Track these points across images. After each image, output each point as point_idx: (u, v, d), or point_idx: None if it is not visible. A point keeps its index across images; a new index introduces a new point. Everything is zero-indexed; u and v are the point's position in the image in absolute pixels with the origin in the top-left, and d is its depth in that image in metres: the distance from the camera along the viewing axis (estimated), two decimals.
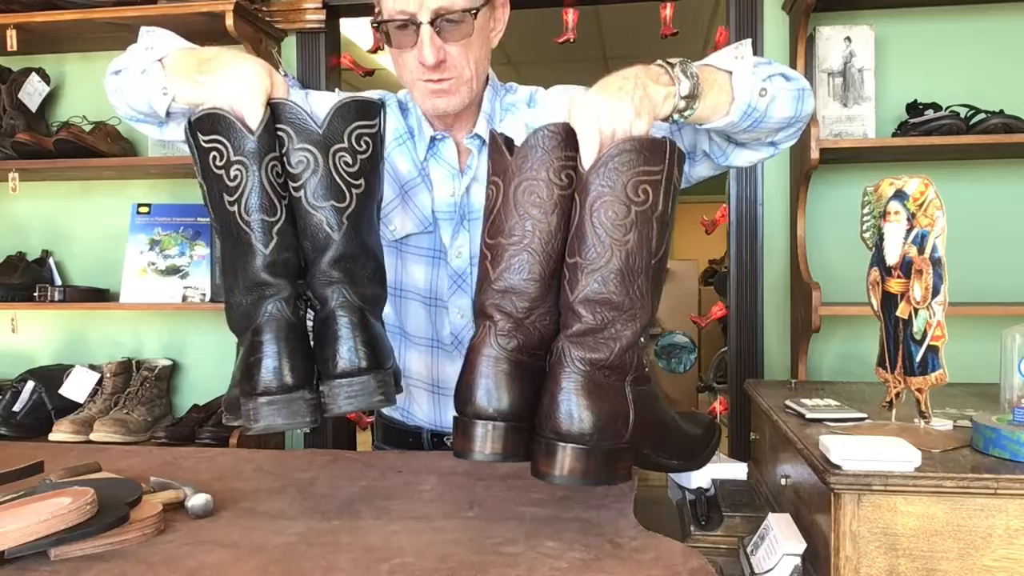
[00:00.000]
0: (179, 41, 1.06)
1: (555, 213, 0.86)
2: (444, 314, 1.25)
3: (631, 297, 0.87)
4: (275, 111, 0.92)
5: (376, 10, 1.16)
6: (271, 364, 0.89)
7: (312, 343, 0.94)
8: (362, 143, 0.95)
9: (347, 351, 0.91)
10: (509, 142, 0.90)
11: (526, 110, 1.26)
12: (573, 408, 0.84)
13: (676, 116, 0.95)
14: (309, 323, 0.97)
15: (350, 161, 0.94)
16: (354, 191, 0.94)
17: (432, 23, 1.09)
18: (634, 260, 0.85)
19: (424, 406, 1.32)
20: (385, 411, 1.40)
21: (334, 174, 0.93)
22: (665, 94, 0.93)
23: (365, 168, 0.95)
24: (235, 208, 0.90)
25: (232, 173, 0.89)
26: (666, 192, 0.86)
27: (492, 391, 0.86)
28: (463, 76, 1.15)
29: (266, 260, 0.91)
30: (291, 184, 0.93)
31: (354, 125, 0.94)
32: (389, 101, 1.26)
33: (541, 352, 0.89)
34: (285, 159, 0.92)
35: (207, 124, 0.90)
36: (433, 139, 1.23)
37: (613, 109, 0.87)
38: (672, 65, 0.95)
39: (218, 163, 0.90)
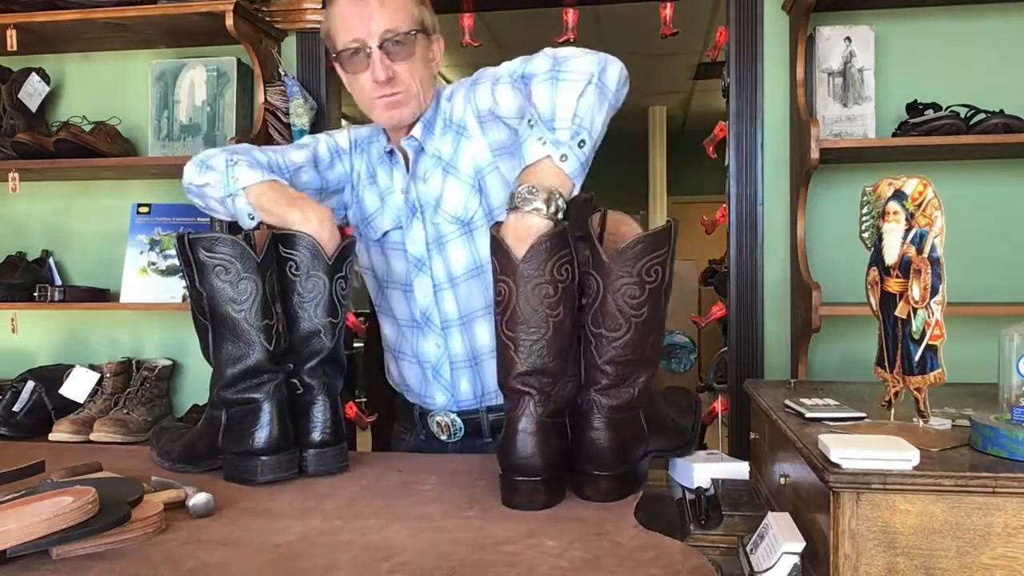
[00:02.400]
0: (258, 171, 1.29)
1: (561, 304, 1.02)
2: (412, 295, 1.42)
3: (646, 353, 1.06)
4: (295, 240, 1.22)
5: (327, 39, 1.36)
6: (274, 430, 1.17)
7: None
8: (350, 271, 1.28)
9: (326, 428, 1.22)
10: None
11: (441, 113, 1.39)
12: (605, 445, 1.05)
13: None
14: None
15: (344, 286, 1.26)
16: (343, 310, 1.26)
17: (380, 47, 1.28)
18: (648, 326, 1.04)
19: (413, 380, 1.47)
20: (393, 385, 1.57)
21: (334, 296, 1.24)
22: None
23: (348, 291, 1.28)
24: (241, 314, 1.17)
25: (241, 286, 1.17)
26: (670, 265, 1.04)
27: (532, 451, 1.02)
28: (411, 90, 1.32)
29: (269, 355, 1.18)
30: (299, 300, 1.23)
31: (349, 259, 1.27)
32: (377, 135, 1.47)
33: (562, 414, 1.07)
34: (299, 281, 1.22)
35: (215, 242, 1.17)
36: (391, 152, 1.43)
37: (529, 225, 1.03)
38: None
39: (224, 277, 1.16)
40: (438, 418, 1.44)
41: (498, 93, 1.27)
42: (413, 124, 1.36)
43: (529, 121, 1.09)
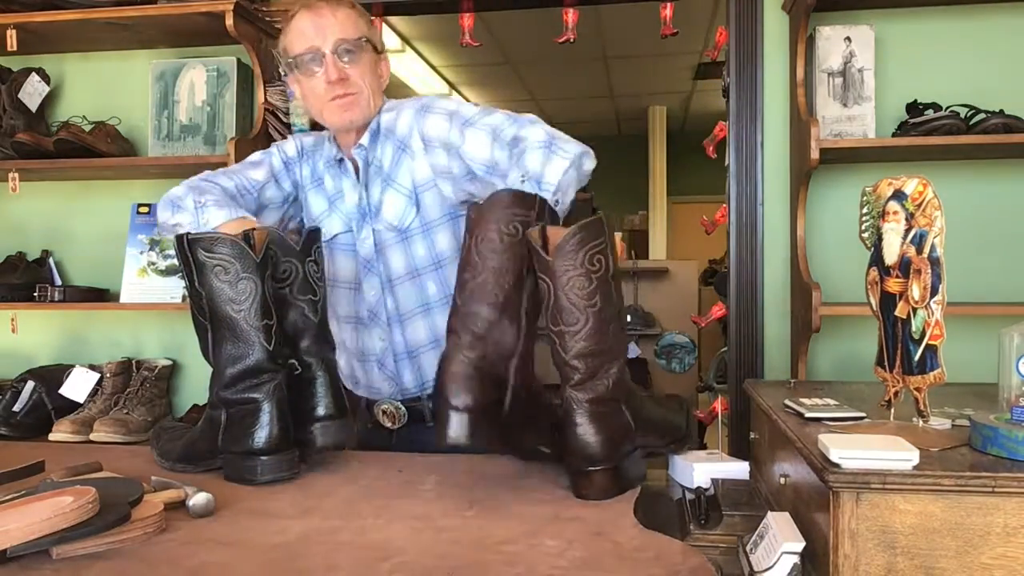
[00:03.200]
0: (225, 209, 1.37)
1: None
2: (360, 294, 1.53)
3: (609, 343, 1.10)
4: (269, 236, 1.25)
5: (284, 53, 1.49)
6: (274, 430, 1.18)
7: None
8: (319, 255, 1.34)
9: (330, 402, 1.28)
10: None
11: (383, 126, 1.49)
12: (591, 439, 1.07)
13: None
14: None
15: (316, 269, 1.32)
16: (320, 288, 1.32)
17: (334, 52, 1.42)
18: (604, 315, 1.09)
19: (360, 373, 1.57)
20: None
21: (309, 277, 1.31)
22: None
23: (321, 272, 1.34)
24: (241, 314, 1.18)
25: (240, 286, 1.18)
26: (611, 255, 1.10)
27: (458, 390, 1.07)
28: (362, 92, 1.44)
29: (269, 355, 1.20)
30: (276, 285, 1.27)
31: (317, 244, 1.34)
32: (326, 137, 1.56)
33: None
34: (273, 267, 1.26)
35: (212, 243, 1.18)
36: (341, 160, 1.53)
37: None
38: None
39: (223, 277, 1.18)
40: (384, 406, 1.53)
41: (469, 135, 1.37)
42: (361, 132, 1.48)
43: (522, 177, 1.25)
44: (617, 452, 1.10)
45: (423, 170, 1.44)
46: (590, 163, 1.32)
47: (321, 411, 1.26)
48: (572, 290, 1.07)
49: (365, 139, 1.47)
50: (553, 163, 1.24)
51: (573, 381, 1.09)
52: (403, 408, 1.52)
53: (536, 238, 1.09)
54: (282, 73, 1.48)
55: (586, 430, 1.08)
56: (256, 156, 1.58)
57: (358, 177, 1.50)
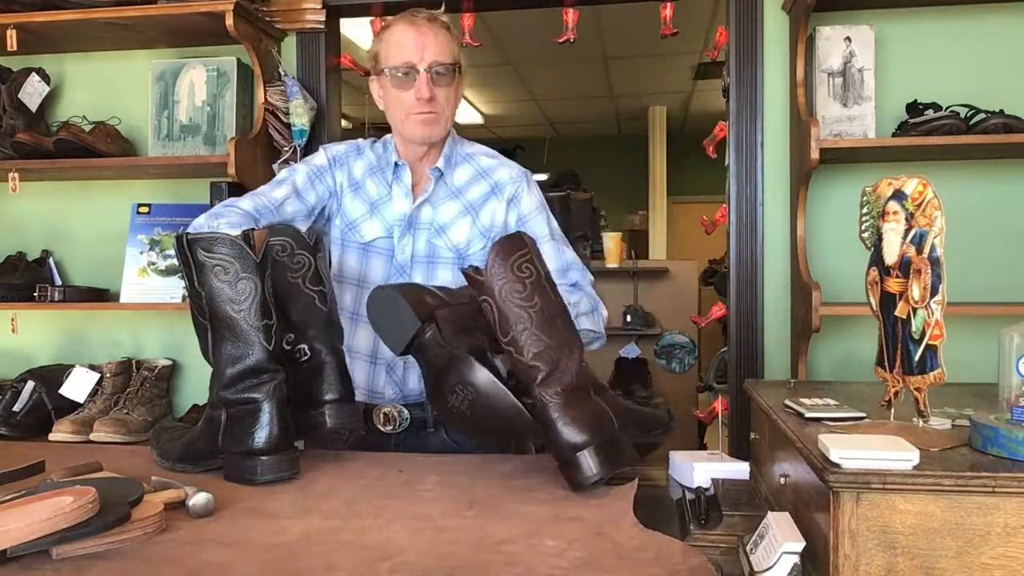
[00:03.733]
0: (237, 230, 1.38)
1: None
2: None
3: (560, 336, 1.16)
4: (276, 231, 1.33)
5: (376, 64, 1.56)
6: (274, 430, 1.18)
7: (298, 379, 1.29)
8: (325, 251, 1.45)
9: (339, 386, 1.31)
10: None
11: (479, 164, 1.64)
12: (568, 423, 1.11)
13: None
14: None
15: (325, 264, 1.38)
16: (328, 281, 1.37)
17: (428, 71, 1.49)
18: (546, 311, 1.15)
19: (361, 378, 1.56)
20: None
21: (319, 270, 1.35)
22: None
23: (328, 269, 1.43)
24: (241, 314, 1.19)
25: (240, 286, 1.19)
26: (538, 263, 1.18)
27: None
28: (444, 112, 1.55)
29: (269, 355, 1.20)
30: (291, 274, 1.31)
31: (322, 245, 1.39)
32: (364, 145, 1.67)
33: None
34: (288, 258, 1.32)
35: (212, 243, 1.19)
36: (396, 164, 1.60)
37: None
38: None
39: (222, 277, 1.19)
40: (385, 409, 1.53)
41: (545, 244, 1.55)
42: (432, 151, 1.59)
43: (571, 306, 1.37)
44: (597, 432, 1.12)
45: (501, 217, 1.58)
46: (598, 344, 1.57)
47: (331, 395, 1.29)
48: (510, 297, 1.14)
49: (441, 162, 1.59)
50: (587, 319, 1.50)
51: (539, 380, 1.13)
52: (405, 412, 1.52)
53: (470, 272, 1.19)
54: (368, 74, 1.61)
55: (561, 418, 1.11)
56: (281, 174, 1.63)
57: (415, 194, 1.59)
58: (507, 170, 1.62)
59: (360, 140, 1.69)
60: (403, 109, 1.53)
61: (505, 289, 1.15)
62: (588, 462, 1.09)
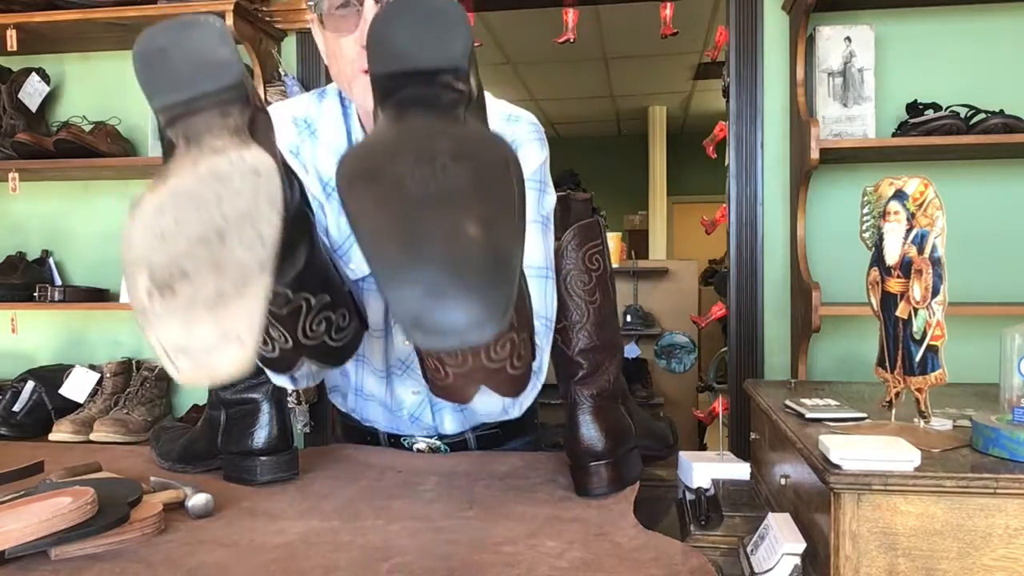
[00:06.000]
0: None
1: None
2: (392, 342, 1.26)
3: (609, 338, 1.13)
4: None
5: None
6: (273, 430, 1.16)
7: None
8: None
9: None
10: None
11: None
12: (595, 434, 1.09)
13: None
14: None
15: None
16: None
17: (378, 1, 0.98)
18: (603, 312, 1.12)
19: (380, 418, 1.34)
20: (342, 411, 1.42)
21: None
22: None
23: None
24: None
25: None
26: (607, 257, 1.13)
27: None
28: None
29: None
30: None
31: None
32: (314, 114, 1.18)
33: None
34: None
35: None
36: None
37: None
38: None
39: None
40: (419, 445, 1.33)
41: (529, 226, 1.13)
42: None
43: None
44: (618, 448, 1.10)
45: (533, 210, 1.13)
46: None
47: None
48: (573, 286, 1.10)
49: None
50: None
51: (577, 377, 1.10)
52: (443, 445, 1.32)
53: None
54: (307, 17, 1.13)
55: (590, 425, 1.09)
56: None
57: None
58: (524, 128, 1.17)
59: (306, 102, 1.20)
60: (347, 64, 1.05)
61: (572, 275, 1.10)
62: (602, 475, 1.08)
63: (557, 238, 1.14)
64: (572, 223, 1.12)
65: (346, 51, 1.04)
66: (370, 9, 1.00)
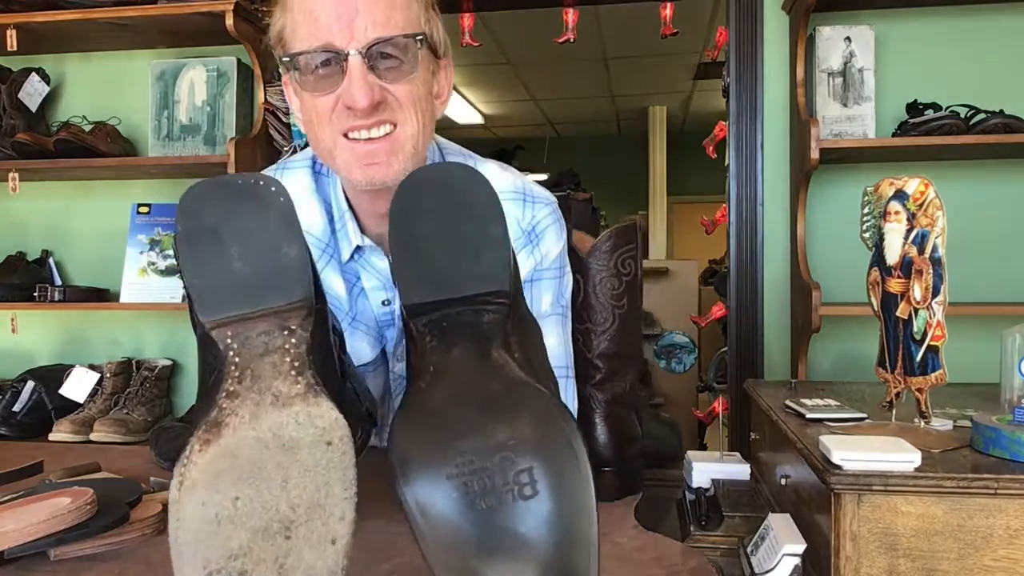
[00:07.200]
0: None
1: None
2: (389, 369, 1.15)
3: (630, 347, 1.11)
4: None
5: (275, 36, 0.96)
6: None
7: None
8: None
9: None
10: None
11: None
12: (604, 438, 1.08)
13: None
14: None
15: None
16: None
17: (365, 56, 0.85)
18: (629, 319, 1.10)
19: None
20: None
21: None
22: None
23: None
24: None
25: None
26: (640, 262, 1.12)
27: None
28: (407, 129, 0.89)
29: None
30: None
31: None
32: (304, 187, 1.04)
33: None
34: None
35: None
36: (359, 247, 1.03)
37: None
38: None
39: None
40: None
41: (548, 320, 1.06)
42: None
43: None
44: (626, 455, 1.10)
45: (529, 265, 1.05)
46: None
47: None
48: (602, 290, 1.10)
49: None
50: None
51: (594, 380, 1.10)
52: None
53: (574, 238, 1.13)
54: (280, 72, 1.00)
55: (601, 430, 1.09)
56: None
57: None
58: (543, 212, 1.06)
59: (294, 166, 1.09)
60: (327, 129, 0.91)
61: (602, 277, 1.09)
62: (606, 482, 1.08)
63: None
64: (572, 223, 1.12)
65: (323, 111, 0.90)
66: (356, 68, 0.86)
